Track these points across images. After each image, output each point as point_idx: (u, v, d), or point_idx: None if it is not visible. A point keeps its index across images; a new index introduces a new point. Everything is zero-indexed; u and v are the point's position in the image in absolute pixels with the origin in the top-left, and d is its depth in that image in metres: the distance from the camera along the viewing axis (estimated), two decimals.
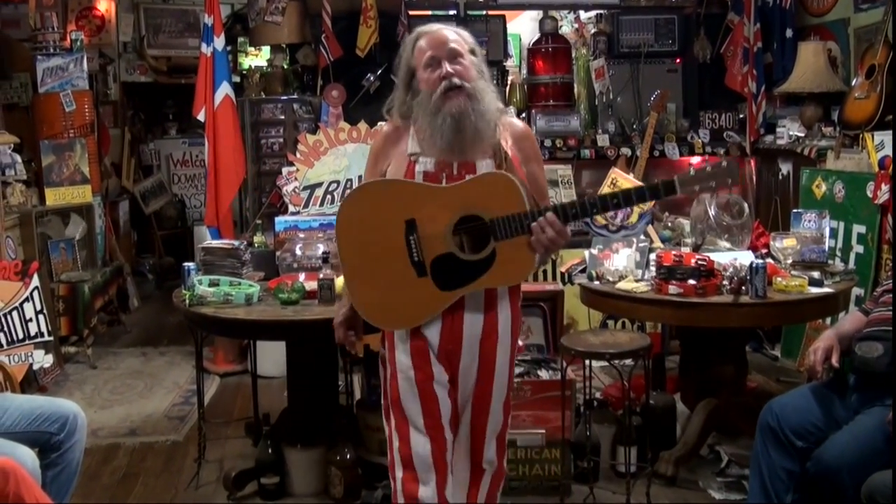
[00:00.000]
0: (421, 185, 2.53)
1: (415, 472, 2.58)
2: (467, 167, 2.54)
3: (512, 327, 2.67)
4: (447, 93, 2.48)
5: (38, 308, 4.36)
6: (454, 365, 2.61)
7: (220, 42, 5.07)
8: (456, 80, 2.49)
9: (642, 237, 4.11)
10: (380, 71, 5.86)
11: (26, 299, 4.33)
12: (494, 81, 2.67)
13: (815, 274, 3.67)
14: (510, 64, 6.66)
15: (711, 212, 4.10)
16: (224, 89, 5.03)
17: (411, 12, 5.92)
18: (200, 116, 5.05)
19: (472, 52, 2.60)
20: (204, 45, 5.07)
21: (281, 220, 4.04)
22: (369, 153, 2.77)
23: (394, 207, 2.50)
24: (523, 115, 5.99)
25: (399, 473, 2.61)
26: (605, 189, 4.42)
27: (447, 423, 2.60)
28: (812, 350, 3.00)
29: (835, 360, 2.93)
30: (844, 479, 2.64)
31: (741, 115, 6.01)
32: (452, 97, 2.48)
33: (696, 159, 6.06)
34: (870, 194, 4.55)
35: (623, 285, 3.68)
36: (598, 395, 4.14)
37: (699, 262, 3.54)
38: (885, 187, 4.38)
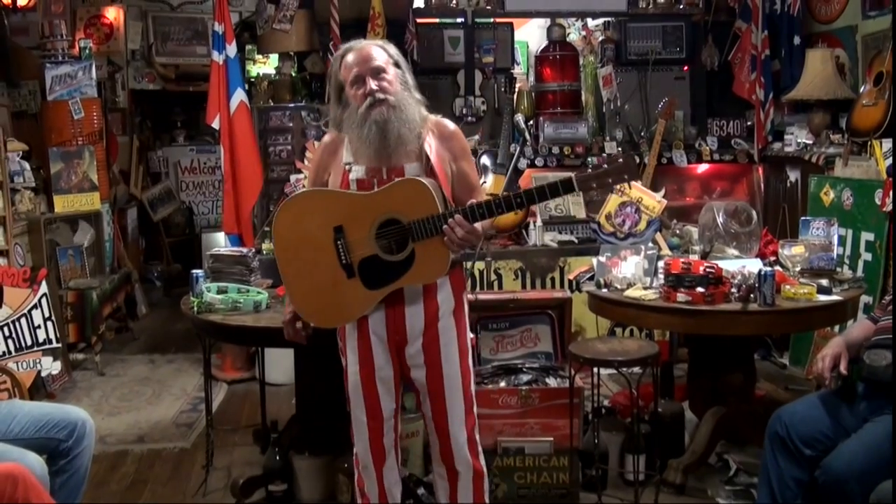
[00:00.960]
0: (346, 194, 2.71)
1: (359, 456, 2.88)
2: (397, 172, 2.70)
3: (456, 320, 2.79)
4: (371, 106, 2.64)
5: (47, 315, 4.37)
6: (402, 355, 2.78)
7: (231, 49, 5.09)
8: (380, 95, 2.65)
9: (650, 245, 4.10)
10: None
11: (34, 306, 4.34)
12: (421, 93, 2.82)
13: (824, 282, 3.65)
14: (518, 71, 6.66)
15: (720, 219, 4.09)
16: (239, 96, 5.06)
17: (419, 20, 5.93)
18: (215, 124, 5.06)
19: (397, 64, 2.75)
20: (216, 53, 5.09)
21: None
22: (311, 164, 2.98)
23: (323, 215, 2.69)
24: (531, 122, 5.99)
25: (356, 449, 2.88)
26: (613, 197, 4.41)
27: (388, 415, 2.82)
28: (820, 357, 2.99)
29: (843, 368, 2.92)
30: (853, 488, 2.63)
31: (749, 123, 6.01)
32: (376, 107, 2.64)
33: (703, 167, 6.07)
34: (878, 202, 4.53)
35: (631, 293, 3.67)
36: (606, 402, 4.14)
37: (707, 269, 3.53)
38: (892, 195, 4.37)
